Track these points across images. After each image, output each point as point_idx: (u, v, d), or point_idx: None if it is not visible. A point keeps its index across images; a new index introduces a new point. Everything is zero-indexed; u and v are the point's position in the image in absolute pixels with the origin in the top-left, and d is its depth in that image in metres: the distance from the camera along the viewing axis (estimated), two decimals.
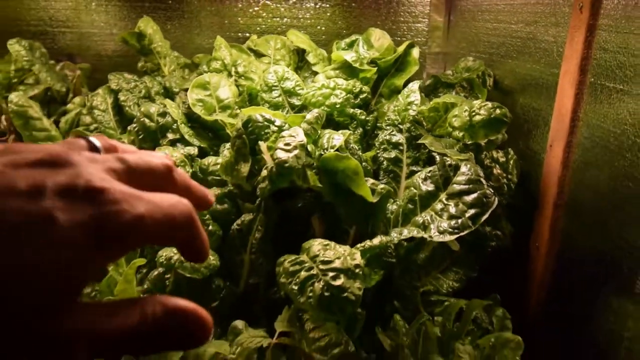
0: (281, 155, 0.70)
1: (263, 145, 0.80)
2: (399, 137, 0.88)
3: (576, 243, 0.81)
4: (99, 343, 0.24)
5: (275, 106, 0.95)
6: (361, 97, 0.92)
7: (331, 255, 0.63)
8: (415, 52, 1.03)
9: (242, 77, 1.07)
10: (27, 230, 0.23)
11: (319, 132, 0.78)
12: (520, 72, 1.01)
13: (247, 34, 1.37)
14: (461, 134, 0.85)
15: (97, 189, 0.25)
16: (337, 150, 0.75)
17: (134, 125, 0.90)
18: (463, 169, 0.74)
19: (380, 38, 1.11)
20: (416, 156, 0.86)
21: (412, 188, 0.78)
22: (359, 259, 0.63)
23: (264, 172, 0.72)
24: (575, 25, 0.80)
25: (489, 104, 0.83)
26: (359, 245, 0.67)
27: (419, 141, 0.83)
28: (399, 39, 1.36)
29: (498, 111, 0.81)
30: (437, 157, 0.77)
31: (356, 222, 0.79)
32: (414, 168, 0.87)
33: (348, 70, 0.98)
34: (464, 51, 1.28)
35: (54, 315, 0.23)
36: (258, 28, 1.38)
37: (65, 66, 1.19)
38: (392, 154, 0.88)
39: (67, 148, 0.28)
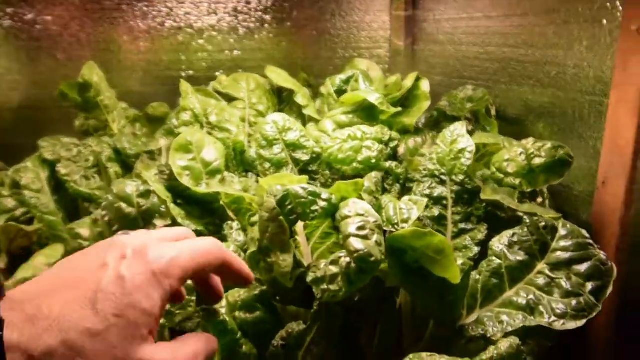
0: (358, 245, 0.50)
1: (300, 226, 0.60)
2: (441, 190, 0.73)
3: None
4: None
5: (278, 164, 0.75)
6: (391, 145, 0.76)
7: None
8: (425, 85, 0.89)
9: (216, 129, 0.85)
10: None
11: (379, 200, 0.61)
12: (534, 100, 0.91)
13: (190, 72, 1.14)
14: (517, 180, 0.72)
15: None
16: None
17: (103, 213, 0.64)
18: (562, 230, 0.60)
19: (369, 70, 0.95)
20: (467, 212, 0.72)
21: (494, 258, 0.63)
22: None
23: (333, 269, 0.52)
24: (630, 48, 0.71)
25: (549, 144, 0.71)
26: (483, 355, 0.50)
27: (482, 197, 0.69)
28: None
29: (561, 152, 0.69)
30: (526, 218, 0.63)
31: (431, 310, 0.62)
32: (464, 226, 0.72)
33: (364, 113, 0.80)
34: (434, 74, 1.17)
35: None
36: (204, 64, 1.16)
37: None
38: (435, 212, 0.73)
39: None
